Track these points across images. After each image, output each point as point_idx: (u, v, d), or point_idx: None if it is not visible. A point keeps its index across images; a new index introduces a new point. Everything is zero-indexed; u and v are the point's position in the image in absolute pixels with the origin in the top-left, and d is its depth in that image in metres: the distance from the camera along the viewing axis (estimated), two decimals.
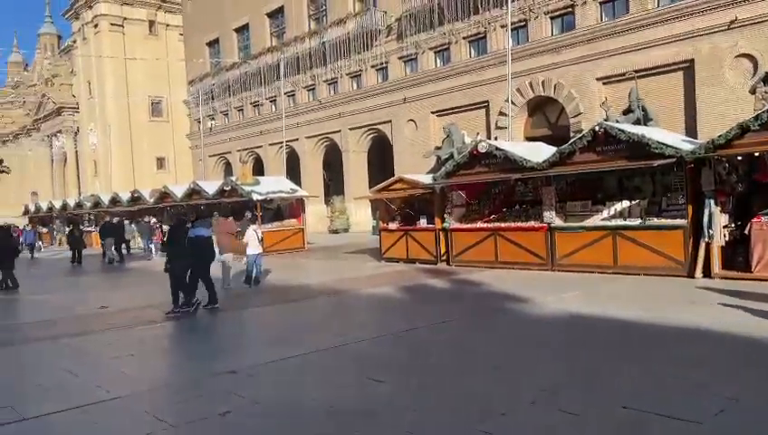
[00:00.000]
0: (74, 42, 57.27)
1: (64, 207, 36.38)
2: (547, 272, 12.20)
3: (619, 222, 11.52)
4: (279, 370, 6.01)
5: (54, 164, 63.48)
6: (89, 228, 32.07)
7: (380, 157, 33.93)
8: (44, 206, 39.80)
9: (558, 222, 12.43)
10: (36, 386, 5.84)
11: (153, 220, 26.29)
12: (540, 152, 13.09)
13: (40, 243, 30.31)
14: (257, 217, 19.53)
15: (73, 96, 58.58)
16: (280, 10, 36.54)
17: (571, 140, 12.33)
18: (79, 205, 35.24)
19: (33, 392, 5.64)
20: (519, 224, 13.16)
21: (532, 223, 12.89)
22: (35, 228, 32.38)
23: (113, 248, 21.09)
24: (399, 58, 29.16)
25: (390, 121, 30.02)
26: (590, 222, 12.05)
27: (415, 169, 24.32)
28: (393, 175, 20.60)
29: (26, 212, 41.90)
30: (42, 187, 62.91)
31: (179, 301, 9.61)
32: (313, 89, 34.71)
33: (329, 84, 33.83)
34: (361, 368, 5.92)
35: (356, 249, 20.37)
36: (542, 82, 22.73)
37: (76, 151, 58.66)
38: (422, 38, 27.45)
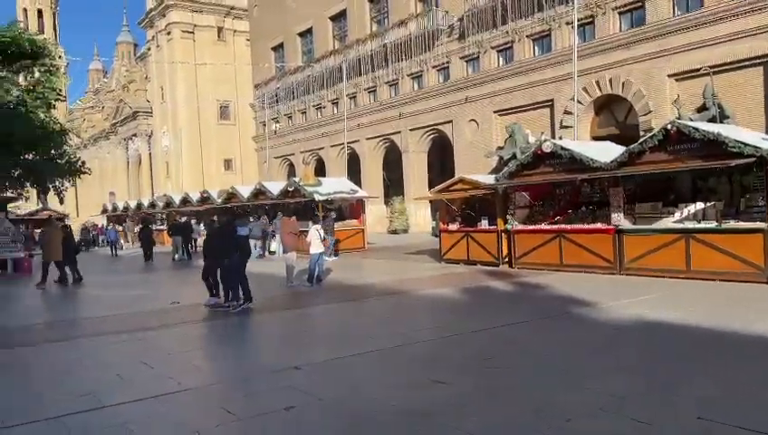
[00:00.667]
0: (149, 49, 60.17)
1: (139, 206, 38.25)
2: (614, 276, 11.81)
3: (693, 225, 11.00)
4: (341, 367, 6.11)
5: (130, 166, 66.87)
6: (160, 227, 33.60)
7: (440, 157, 33.79)
8: (121, 205, 42.00)
9: (626, 224, 12.01)
10: (115, 376, 6.18)
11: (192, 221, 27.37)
12: (607, 152, 12.68)
13: (122, 241, 31.97)
14: (320, 217, 19.85)
15: (148, 101, 61.50)
16: (342, 13, 37.06)
17: (641, 139, 11.87)
18: (152, 204, 36.95)
19: (112, 382, 5.97)
20: (585, 226, 12.79)
21: (598, 225, 12.51)
22: (116, 227, 34.14)
23: (181, 246, 22.21)
24: (461, 58, 28.95)
25: (451, 122, 29.86)
26: (660, 224, 11.57)
27: (475, 169, 24.09)
28: (453, 176, 20.48)
29: (104, 211, 44.32)
30: (119, 187, 66.41)
31: (232, 296, 10.00)
32: (374, 90, 34.98)
33: (390, 85, 34.01)
34: (423, 369, 5.93)
35: (416, 250, 20.38)
36: (610, 80, 22.01)
37: (150, 153, 61.57)
38: (484, 37, 27.15)
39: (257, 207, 25.81)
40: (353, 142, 35.56)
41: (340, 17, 37.65)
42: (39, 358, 7.48)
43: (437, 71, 30.68)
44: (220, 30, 54.31)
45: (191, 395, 5.35)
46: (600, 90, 22.43)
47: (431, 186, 27.86)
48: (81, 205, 72.59)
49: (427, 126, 31.60)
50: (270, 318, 9.55)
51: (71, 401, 5.30)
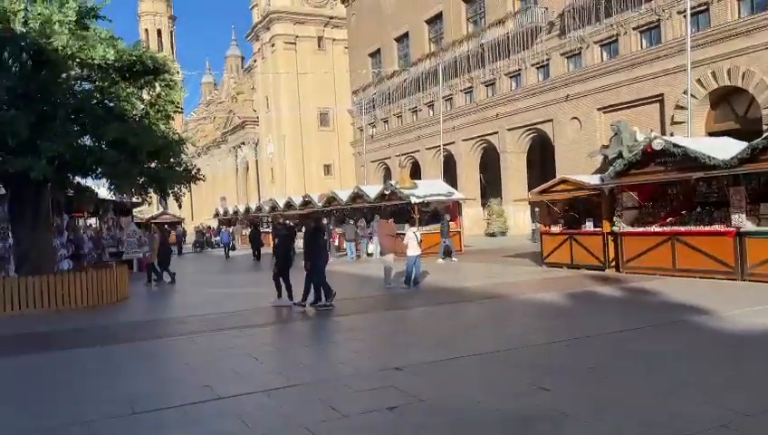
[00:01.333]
0: (255, 61, 63.48)
1: (247, 210, 40.42)
2: (735, 282, 10.91)
3: None
4: (442, 370, 6.12)
5: (239, 172, 70.86)
6: (266, 230, 35.32)
7: (540, 157, 32.84)
8: (231, 209, 44.62)
9: (749, 226, 11.05)
10: (229, 369, 6.59)
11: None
12: (726, 148, 11.74)
13: (234, 243, 33.98)
14: (416, 219, 19.96)
15: (254, 110, 64.90)
16: (438, 16, 37.09)
17: (766, 134, 10.89)
18: (259, 208, 38.90)
19: (226, 375, 6.37)
20: (701, 228, 11.92)
21: (716, 227, 11.61)
22: (228, 230, 36.33)
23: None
24: (562, 54, 28.03)
25: (551, 120, 28.96)
26: None
27: (578, 169, 23.18)
28: (553, 176, 19.84)
29: (216, 215, 47.24)
30: (229, 192, 70.55)
31: (323, 295, 10.45)
32: (471, 91, 34.68)
33: (486, 86, 33.57)
34: (526, 374, 5.81)
35: (515, 253, 19.94)
36: (728, 71, 20.38)
37: (256, 160, 64.92)
38: (587, 32, 26.11)
39: (355, 210, 26.43)
40: (449, 144, 35.44)
41: (435, 20, 37.71)
42: (164, 351, 8.14)
43: (536, 68, 29.89)
44: (320, 39, 56.21)
45: (298, 391, 5.59)
46: (717, 81, 20.84)
47: (530, 187, 27.15)
48: (196, 209, 77.85)
49: (526, 125, 30.86)
50: (369, 319, 9.75)
51: (191, 391, 5.72)
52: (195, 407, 5.20)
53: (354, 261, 21.25)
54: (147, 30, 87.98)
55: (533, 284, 12.76)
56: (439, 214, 23.19)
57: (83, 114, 11.75)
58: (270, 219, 37.27)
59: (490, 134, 33.34)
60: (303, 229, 12.78)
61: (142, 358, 7.76)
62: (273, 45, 56.25)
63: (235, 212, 42.53)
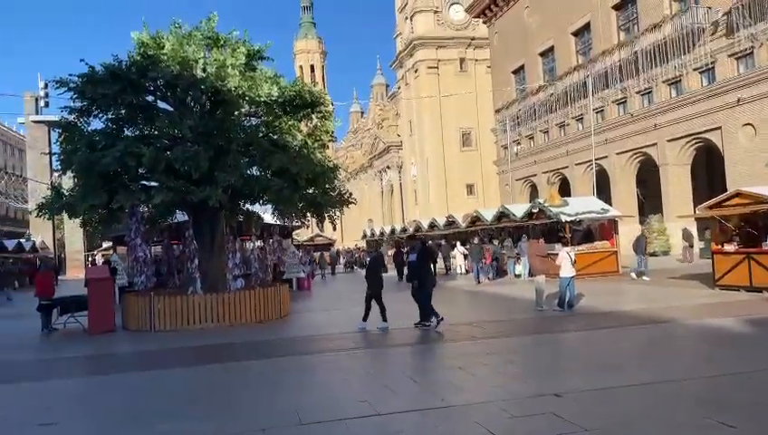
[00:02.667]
0: (399, 87, 65.67)
1: (392, 231, 41.56)
2: None
3: None
4: (605, 398, 5.78)
5: (384, 195, 73.26)
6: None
7: (707, 169, 29.91)
8: (378, 231, 46.19)
9: None
10: (383, 387, 6.80)
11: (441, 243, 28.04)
12: None
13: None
14: (568, 238, 19.11)
15: (398, 135, 66.94)
16: (586, 27, 35.66)
17: None
18: (404, 229, 39.83)
19: (381, 391, 6.58)
20: None
21: None
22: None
23: None
24: (730, 55, 25.44)
25: (720, 128, 26.30)
26: None
27: (753, 180, 20.74)
28: (722, 189, 17.93)
29: (364, 236, 49.17)
30: (375, 214, 73.15)
31: (432, 316, 10.62)
32: (624, 102, 32.70)
33: (642, 95, 31.45)
34: (702, 408, 5.28)
35: (680, 274, 18.25)
36: None
37: (400, 183, 66.70)
38: (759, 29, 23.46)
39: (500, 229, 25.98)
40: (601, 159, 33.61)
41: (583, 31, 36.29)
42: (322, 365, 8.63)
43: (699, 73, 27.42)
44: (462, 61, 56.68)
45: (455, 412, 5.60)
46: None
47: (696, 202, 24.78)
48: (345, 231, 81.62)
49: (690, 135, 28.33)
50: (521, 342, 9.49)
51: (351, 406, 5.99)
52: (356, 422, 5.43)
53: (481, 282, 20.62)
54: (301, 66, 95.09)
55: (703, 308, 11.56)
56: (592, 233, 22.00)
57: (252, 147, 12.97)
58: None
59: (647, 146, 31.07)
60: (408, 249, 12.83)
61: (304, 371, 8.28)
62: (416, 71, 57.77)
63: (381, 233, 43.93)
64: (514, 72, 44.49)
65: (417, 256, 11.49)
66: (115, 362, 9.85)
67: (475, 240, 23.16)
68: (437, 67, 56.40)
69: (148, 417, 5.98)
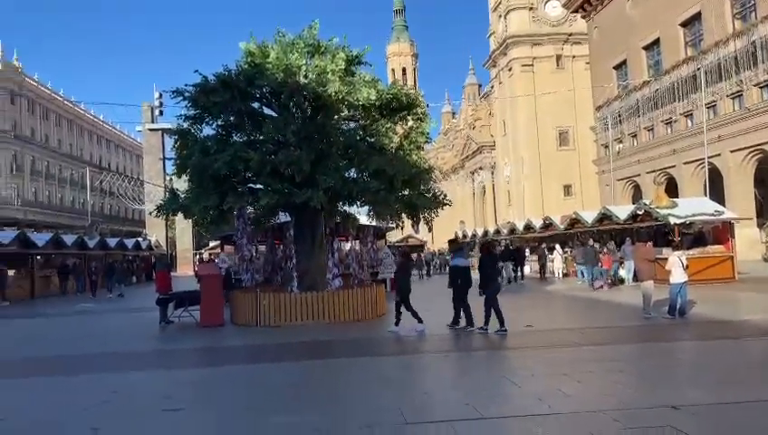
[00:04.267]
0: (492, 87, 64.69)
1: (485, 233, 40.97)
2: None
3: None
4: (727, 414, 5.39)
5: (475, 196, 72.41)
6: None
7: None
8: (469, 232, 45.72)
9: None
10: (485, 390, 6.73)
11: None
12: None
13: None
14: (677, 243, 17.99)
15: (491, 136, 65.92)
16: (696, 17, 33.41)
17: None
18: (497, 231, 39.13)
19: (483, 395, 6.51)
20: None
21: None
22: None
23: (511, 270, 23.78)
24: None
25: None
26: None
27: None
28: None
29: (456, 238, 48.79)
30: (467, 216, 72.44)
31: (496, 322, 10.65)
32: (740, 95, 30.27)
33: (761, 88, 28.96)
34: None
35: None
36: None
37: (493, 184, 65.63)
38: None
39: (601, 232, 24.87)
40: (713, 157, 31.32)
41: (692, 21, 34.01)
42: (421, 365, 8.69)
43: None
44: (558, 58, 54.90)
45: (564, 420, 5.44)
46: None
47: None
48: (436, 232, 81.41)
49: None
50: (627, 350, 9.04)
51: (455, 408, 5.98)
52: (461, 424, 5.40)
53: (587, 286, 19.77)
54: (393, 70, 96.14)
55: None
56: (704, 236, 20.55)
57: (351, 150, 13.31)
58: (503, 242, 37.18)
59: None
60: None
61: (404, 371, 8.38)
62: (510, 70, 56.65)
63: (473, 235, 43.39)
64: (616, 68, 42.45)
65: (481, 262, 11.71)
66: (226, 354, 10.44)
67: (590, 242, 22.03)
68: (532, 65, 54.95)
69: (262, 408, 6.29)
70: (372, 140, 13.79)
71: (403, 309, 11.37)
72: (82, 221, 55.27)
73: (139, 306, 18.80)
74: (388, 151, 13.75)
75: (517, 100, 53.17)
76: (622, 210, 23.78)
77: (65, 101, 72.08)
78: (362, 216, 17.72)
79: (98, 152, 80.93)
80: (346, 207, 16.08)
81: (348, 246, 22.31)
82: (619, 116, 41.19)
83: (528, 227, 33.31)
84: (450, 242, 15.18)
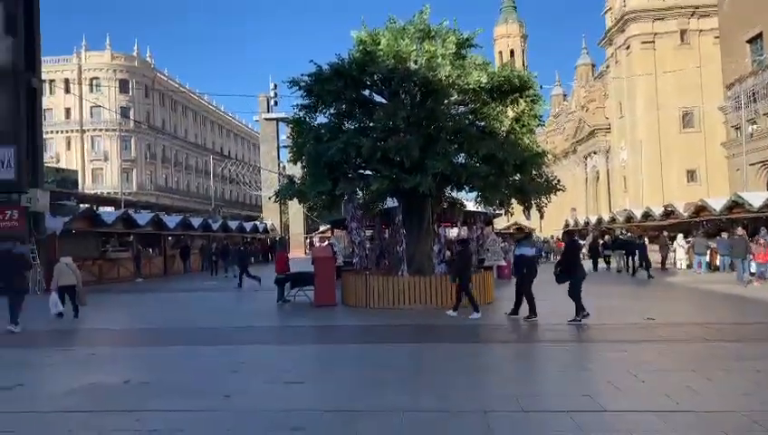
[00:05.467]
0: (607, 67, 61.16)
1: (599, 221, 39.09)
2: None
3: None
4: None
5: (588, 182, 69.11)
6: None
7: None
8: (581, 220, 43.82)
9: None
10: (606, 382, 6.46)
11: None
12: None
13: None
14: None
15: (606, 118, 62.43)
16: None
17: None
18: (612, 219, 37.21)
19: (604, 388, 6.26)
20: None
21: None
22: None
23: (627, 260, 23.04)
24: None
25: None
26: None
27: None
28: None
29: (566, 226, 47.01)
30: (578, 203, 69.38)
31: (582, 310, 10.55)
32: None
33: None
34: None
35: None
36: None
37: (607, 169, 62.27)
38: None
39: (731, 221, 22.87)
40: None
41: None
42: (536, 354, 8.51)
43: None
44: (683, 33, 50.71)
45: (696, 419, 5.10)
46: None
47: None
48: (546, 219, 78.76)
49: None
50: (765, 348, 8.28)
51: (573, 399, 5.81)
52: (581, 415, 5.23)
53: (747, 283, 17.69)
54: (500, 52, 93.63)
55: None
56: None
57: (460, 134, 13.19)
58: (624, 231, 35.21)
59: None
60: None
61: (517, 359, 8.27)
62: (627, 48, 53.18)
63: (586, 223, 41.57)
64: (750, 41, 38.41)
65: (565, 252, 11.36)
66: (339, 332, 10.86)
67: (739, 231, 19.83)
68: (653, 42, 51.14)
69: (378, 387, 6.48)
70: (482, 124, 13.58)
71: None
72: (206, 205, 59.55)
73: (255, 285, 19.97)
74: (498, 135, 13.48)
75: (635, 79, 49.84)
76: (756, 197, 21.72)
77: (191, 93, 77.66)
78: (469, 202, 17.56)
79: (219, 141, 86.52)
80: (454, 193, 16.03)
81: (454, 232, 22.21)
82: (754, 94, 37.32)
83: (647, 215, 31.41)
84: (518, 230, 14.89)
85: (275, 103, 52.84)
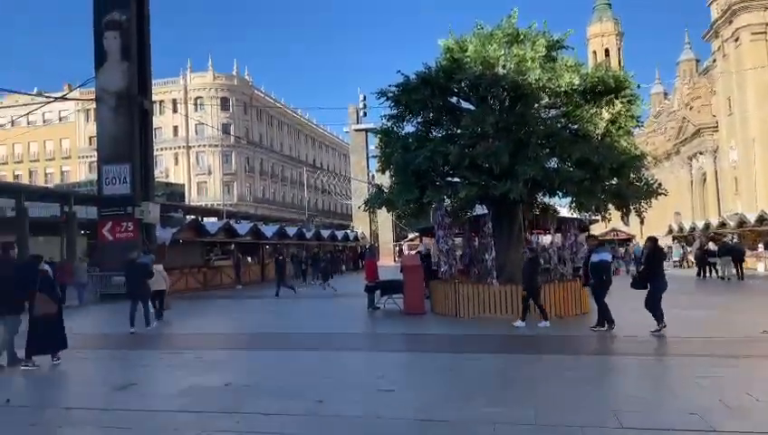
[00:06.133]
0: (713, 61, 57.10)
1: (706, 226, 36.47)
2: None
3: None
4: None
5: (693, 185, 64.67)
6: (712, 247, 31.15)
7: None
8: (687, 225, 41.05)
9: None
10: (716, 400, 6.00)
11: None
12: None
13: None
14: None
15: (713, 116, 58.27)
16: None
17: None
18: (722, 224, 34.61)
19: (714, 406, 5.81)
20: None
21: None
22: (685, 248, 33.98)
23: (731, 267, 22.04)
24: None
25: None
26: None
27: None
28: None
29: (670, 231, 44.26)
30: (683, 207, 65.07)
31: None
32: None
33: None
34: None
35: None
36: None
37: (715, 170, 58.00)
38: None
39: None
40: None
41: None
42: (632, 368, 8.06)
43: None
44: None
45: None
46: None
47: None
48: (646, 225, 74.58)
49: None
50: None
51: (677, 416, 5.45)
52: (683, 433, 4.91)
53: None
54: (594, 52, 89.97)
55: None
56: None
57: (552, 138, 12.81)
58: (733, 236, 32.55)
59: None
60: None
61: (613, 372, 7.90)
62: (736, 40, 49.45)
63: (692, 229, 38.89)
64: None
65: (647, 258, 10.92)
66: (429, 341, 10.85)
67: None
68: (765, 32, 47.22)
69: (469, 397, 6.41)
70: (575, 127, 13.12)
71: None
72: (301, 215, 61.66)
73: (348, 292, 20.38)
74: (593, 138, 12.96)
75: (746, 73, 46.15)
76: None
77: (285, 108, 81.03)
78: (563, 208, 16.99)
79: (312, 153, 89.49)
80: (546, 199, 15.56)
81: (548, 239, 21.54)
82: None
83: (762, 220, 28.90)
84: (591, 238, 14.05)
85: (364, 114, 54.02)
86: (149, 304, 13.35)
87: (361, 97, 52.48)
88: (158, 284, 13.85)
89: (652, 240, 11.55)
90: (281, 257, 22.76)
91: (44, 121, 70.64)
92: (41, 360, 8.67)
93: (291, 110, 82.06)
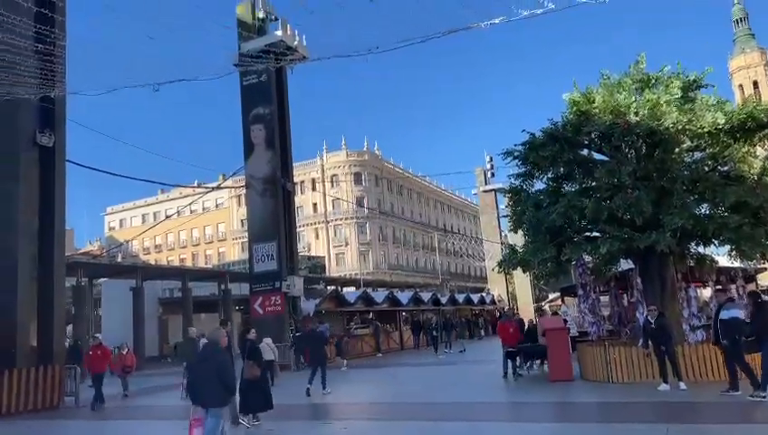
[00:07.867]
0: None
1: None
2: None
3: None
4: None
5: None
6: None
7: None
8: None
9: None
10: None
11: None
12: None
13: None
14: None
15: None
16: None
17: None
18: None
19: None
20: None
21: None
22: None
23: None
24: None
25: None
26: None
27: None
28: None
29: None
30: None
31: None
32: None
33: None
34: None
35: None
36: None
37: None
38: None
39: None
40: None
41: None
42: None
43: None
44: None
45: None
46: None
47: None
48: None
49: None
50: None
51: None
52: None
53: None
54: (741, 85, 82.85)
55: None
56: None
57: (699, 183, 11.85)
58: None
59: None
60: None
61: None
62: None
63: None
64: None
65: (754, 314, 9.70)
66: (578, 410, 10.11)
67: None
68: None
69: None
70: (726, 168, 12.07)
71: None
72: (435, 279, 61.73)
73: (484, 358, 19.74)
74: (748, 179, 11.79)
75: None
76: None
77: (413, 177, 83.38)
78: (721, 256, 15.38)
79: (441, 217, 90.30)
80: (700, 248, 14.22)
81: (707, 292, 19.47)
82: None
83: None
84: (720, 291, 11.87)
85: (492, 175, 53.92)
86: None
87: (488, 158, 52.61)
88: (268, 354, 14.47)
89: (755, 295, 10.36)
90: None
91: (204, 209, 79.01)
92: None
93: (419, 177, 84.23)
